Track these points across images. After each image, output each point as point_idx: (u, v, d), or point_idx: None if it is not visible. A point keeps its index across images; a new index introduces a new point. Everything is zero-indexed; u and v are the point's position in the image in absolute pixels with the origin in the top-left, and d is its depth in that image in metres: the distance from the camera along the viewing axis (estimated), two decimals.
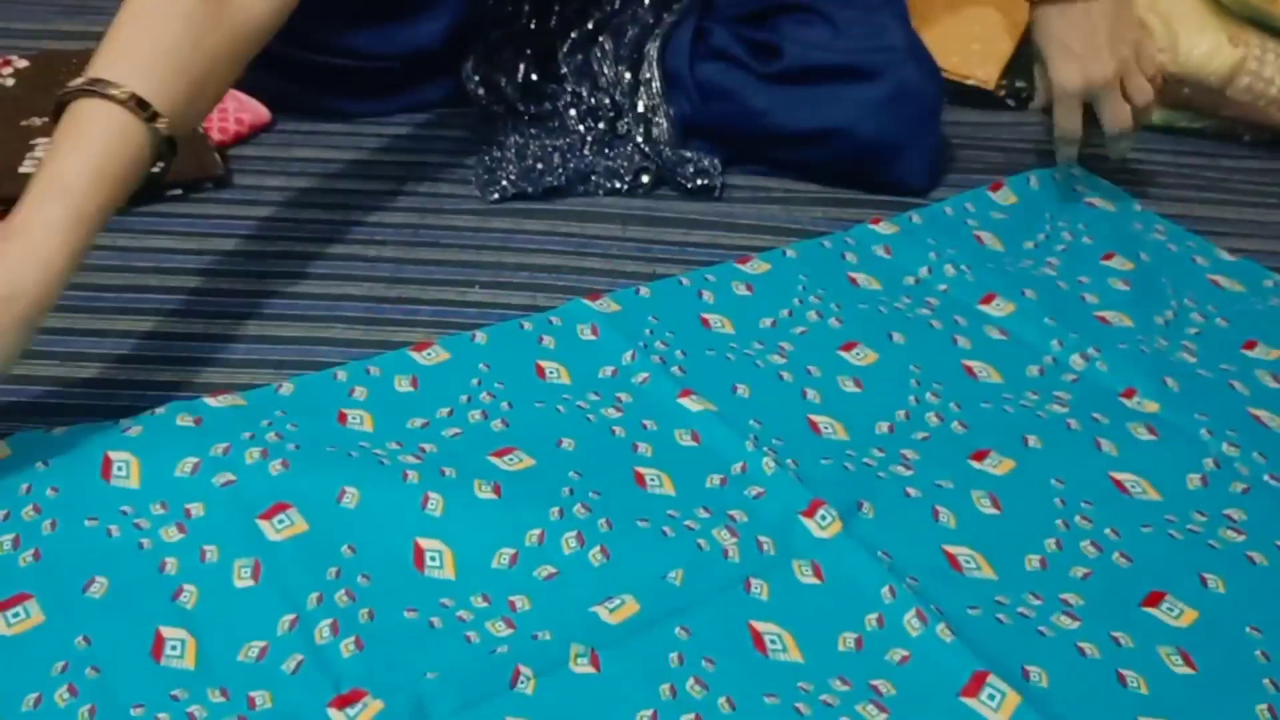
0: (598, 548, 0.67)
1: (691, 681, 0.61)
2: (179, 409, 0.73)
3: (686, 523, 0.69)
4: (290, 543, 0.66)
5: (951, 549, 0.70)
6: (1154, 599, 0.68)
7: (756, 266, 0.92)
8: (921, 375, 0.83)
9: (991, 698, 0.61)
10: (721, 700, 0.60)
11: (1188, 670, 0.64)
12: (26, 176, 0.69)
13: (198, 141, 0.98)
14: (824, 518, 0.70)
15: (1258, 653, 0.65)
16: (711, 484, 0.73)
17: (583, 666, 0.61)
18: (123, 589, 0.63)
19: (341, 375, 0.78)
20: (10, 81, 1.06)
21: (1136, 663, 0.64)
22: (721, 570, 0.67)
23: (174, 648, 0.61)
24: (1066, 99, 0.97)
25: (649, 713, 0.59)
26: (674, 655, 0.62)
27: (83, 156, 0.67)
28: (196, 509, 0.68)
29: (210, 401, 0.74)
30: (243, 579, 0.64)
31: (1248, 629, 0.66)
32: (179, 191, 0.96)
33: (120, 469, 0.69)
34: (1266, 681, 0.63)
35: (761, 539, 0.69)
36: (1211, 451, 0.77)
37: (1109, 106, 0.97)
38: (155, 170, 0.72)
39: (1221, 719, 0.61)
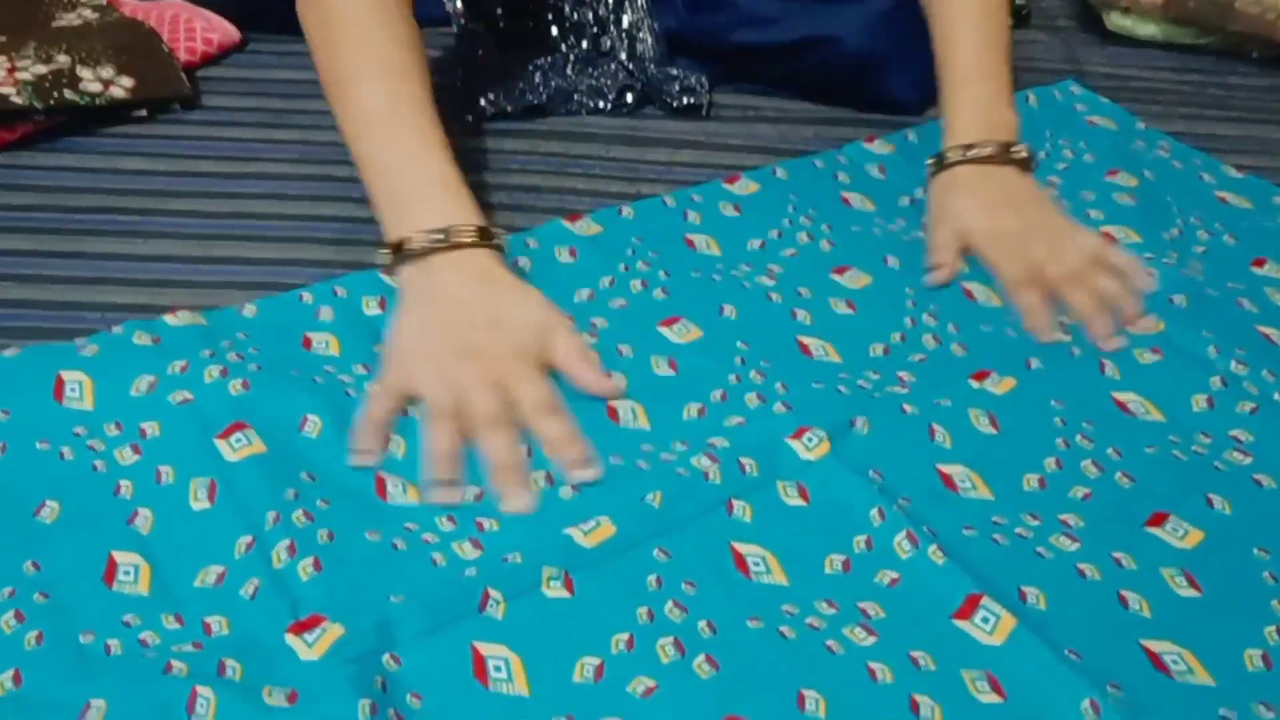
0: (568, 485, 0.64)
1: (670, 605, 0.58)
2: (136, 327, 0.70)
3: (663, 455, 0.66)
4: (247, 462, 0.63)
5: (947, 469, 0.67)
6: (1158, 519, 0.65)
7: (745, 186, 0.89)
8: (918, 297, 0.79)
9: (985, 620, 0.58)
10: (702, 624, 0.57)
11: (1192, 592, 0.61)
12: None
13: (165, 62, 0.95)
14: (811, 439, 0.67)
15: (1265, 574, 0.62)
16: (689, 415, 0.69)
17: (555, 590, 0.58)
18: (75, 513, 0.61)
19: (307, 297, 0.75)
20: None
21: (1139, 584, 0.61)
22: (702, 492, 0.64)
23: (127, 573, 0.58)
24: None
25: (625, 636, 0.57)
26: (652, 578, 0.59)
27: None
28: (152, 428, 0.65)
29: (170, 320, 0.71)
30: (199, 500, 0.61)
31: (1255, 550, 0.63)
32: (144, 112, 0.93)
33: (73, 390, 0.66)
34: (1275, 603, 0.60)
35: (744, 461, 0.66)
36: (1219, 370, 0.74)
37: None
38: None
39: (1227, 641, 0.58)
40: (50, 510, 0.60)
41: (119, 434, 0.64)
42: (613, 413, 0.69)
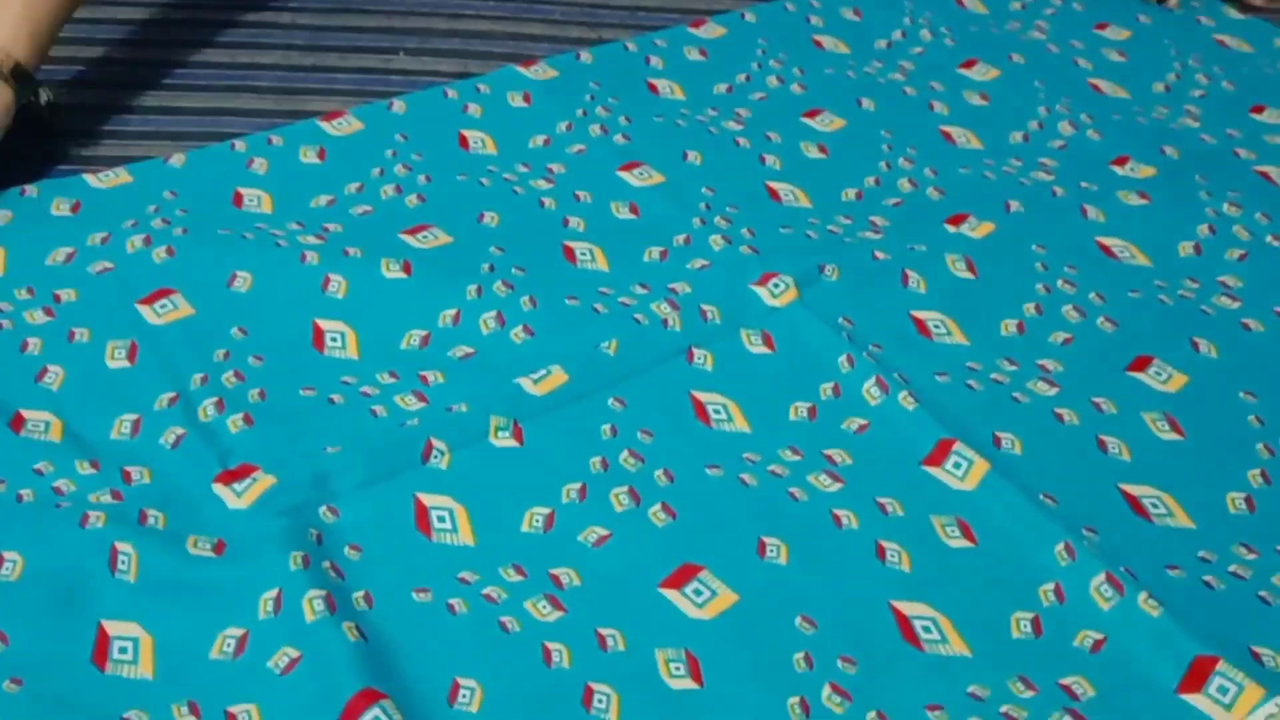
0: (520, 326, 0.61)
1: (625, 454, 0.55)
2: (54, 193, 0.66)
3: (621, 299, 0.63)
4: (173, 326, 0.59)
5: (920, 314, 0.63)
6: (1141, 363, 0.62)
7: (711, 30, 0.84)
8: (894, 141, 0.75)
9: (957, 465, 0.55)
10: (658, 473, 0.54)
11: (1174, 436, 0.58)
12: None
13: None
14: (777, 285, 0.64)
15: (1251, 418, 0.59)
16: (650, 258, 0.66)
17: (504, 439, 0.55)
18: None
19: (240, 146, 0.70)
20: None
21: (1118, 429, 0.58)
22: (661, 340, 0.61)
23: (36, 426, 0.54)
24: None
25: (576, 486, 0.53)
26: (606, 427, 0.56)
27: None
28: (67, 294, 0.61)
29: (91, 181, 0.67)
30: (116, 360, 0.58)
31: (1241, 394, 0.60)
32: None
33: None
34: (1260, 446, 0.58)
35: (705, 308, 0.62)
36: (1209, 215, 0.71)
37: None
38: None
39: (1209, 485, 0.56)
40: None
41: (30, 298, 0.60)
42: (569, 253, 0.65)
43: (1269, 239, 0.69)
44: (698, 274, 0.64)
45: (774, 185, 0.71)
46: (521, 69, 0.78)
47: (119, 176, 0.67)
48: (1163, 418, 0.59)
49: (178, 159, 0.69)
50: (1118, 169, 0.74)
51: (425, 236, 0.66)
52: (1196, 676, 0.47)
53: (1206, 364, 0.62)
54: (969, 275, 0.66)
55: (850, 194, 0.71)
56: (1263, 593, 0.51)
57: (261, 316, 0.60)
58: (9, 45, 0.65)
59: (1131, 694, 0.47)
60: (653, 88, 0.78)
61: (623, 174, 0.71)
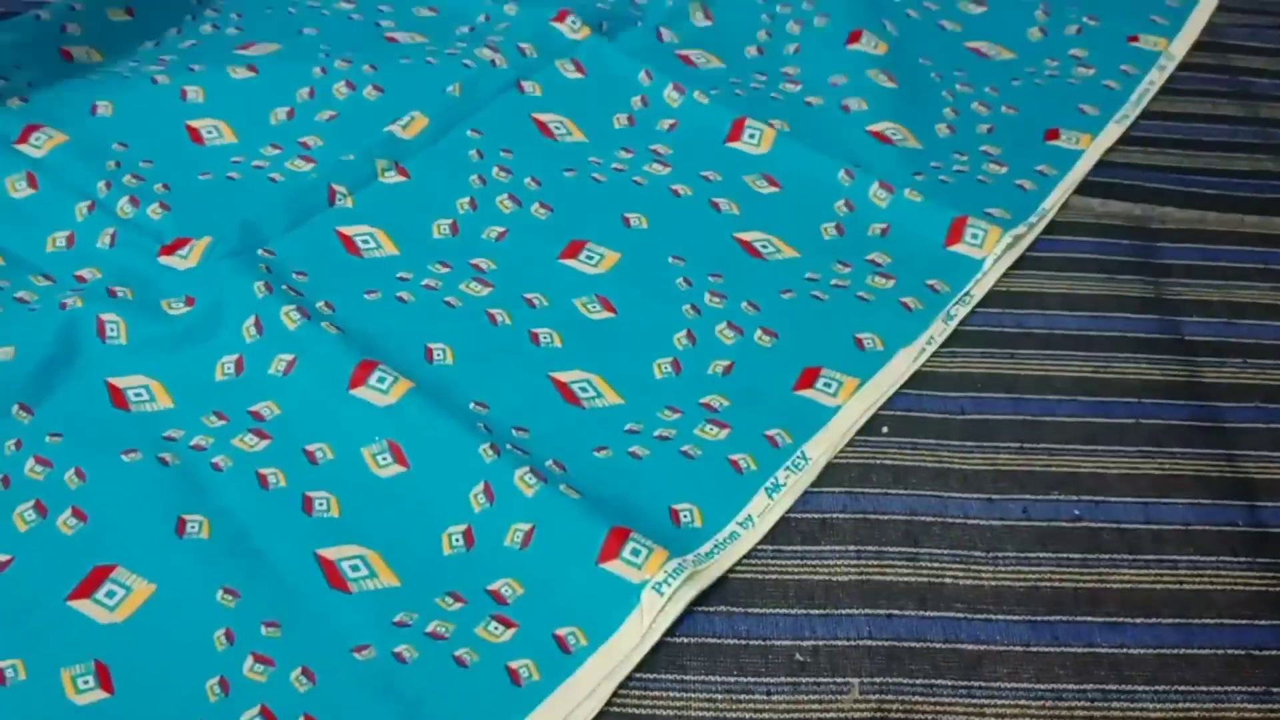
0: (369, 86, 0.70)
1: (496, 170, 0.66)
2: None
3: (448, 50, 0.73)
4: (54, 153, 0.65)
5: (686, 51, 0.76)
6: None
7: None
8: None
9: (752, 137, 0.69)
10: (527, 180, 0.66)
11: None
12: None
13: None
14: (574, 22, 0.75)
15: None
16: (460, 31, 0.76)
17: (391, 177, 0.65)
18: None
19: (45, 15, 0.75)
20: None
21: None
22: (493, 76, 0.71)
23: None
24: None
25: (466, 200, 0.64)
26: (473, 152, 0.67)
27: None
28: None
29: None
30: (19, 190, 0.63)
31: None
32: None
33: None
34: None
35: (522, 45, 0.73)
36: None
37: None
38: None
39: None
40: None
41: None
42: (390, 39, 0.75)
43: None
44: (505, 31, 0.75)
45: None
46: None
47: None
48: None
49: None
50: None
51: (257, 49, 0.73)
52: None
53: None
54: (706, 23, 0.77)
55: None
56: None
57: (133, 129, 0.67)
58: None
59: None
60: None
61: None
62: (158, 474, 0.51)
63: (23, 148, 0.65)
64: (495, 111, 0.69)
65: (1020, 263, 0.64)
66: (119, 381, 0.55)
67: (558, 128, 0.69)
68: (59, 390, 0.54)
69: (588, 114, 0.70)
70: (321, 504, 0.51)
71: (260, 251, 0.60)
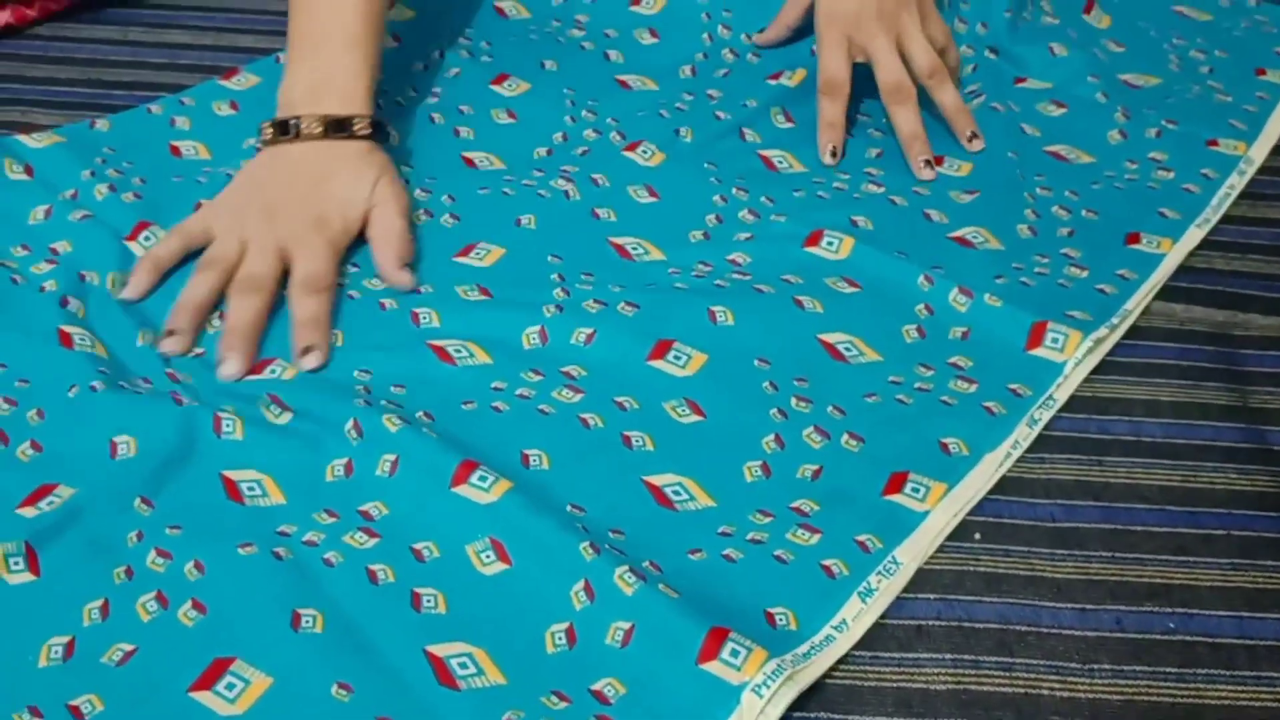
0: (446, 215, 0.73)
1: (579, 285, 0.68)
2: (0, 155, 0.72)
3: (524, 181, 0.75)
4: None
5: (766, 153, 0.79)
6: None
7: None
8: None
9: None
10: (612, 285, 0.67)
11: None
12: None
13: None
14: (645, 151, 0.78)
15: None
16: (539, 156, 0.78)
17: (473, 296, 0.67)
18: (7, 313, 0.63)
19: (156, 109, 0.79)
20: None
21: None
22: (568, 207, 0.74)
23: (82, 340, 0.62)
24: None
25: (552, 307, 0.66)
26: (554, 275, 0.69)
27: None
28: (62, 246, 0.68)
29: (29, 142, 0.74)
30: (120, 290, 0.66)
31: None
32: None
33: None
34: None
35: (595, 176, 0.76)
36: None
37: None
38: None
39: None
40: None
41: (28, 254, 0.67)
42: (470, 162, 0.77)
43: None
44: (581, 159, 0.77)
45: (622, 78, 0.84)
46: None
47: (52, 137, 0.75)
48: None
49: (102, 124, 0.77)
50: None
51: None
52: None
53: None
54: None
55: (686, 71, 0.85)
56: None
57: None
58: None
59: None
60: (500, 12, 0.90)
61: (495, 86, 0.83)
62: (272, 567, 0.52)
63: (132, 246, 0.68)
64: (574, 240, 0.71)
65: (1103, 368, 0.65)
66: (234, 475, 0.57)
67: (635, 249, 0.71)
68: (177, 482, 0.56)
69: (660, 236, 0.72)
70: (429, 600, 0.52)
71: (356, 373, 0.62)
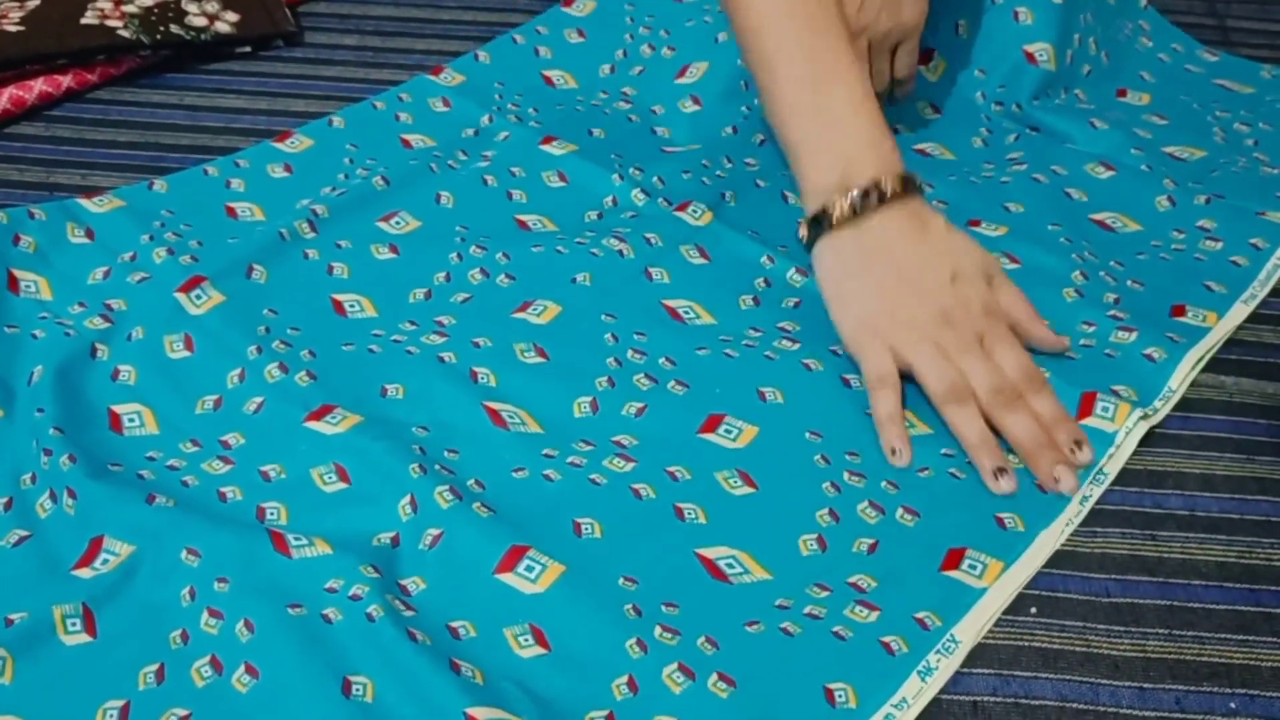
0: (502, 275, 0.73)
1: (630, 352, 0.68)
2: (64, 218, 0.73)
3: (577, 240, 0.76)
4: (212, 313, 0.69)
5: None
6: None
7: (583, 7, 0.97)
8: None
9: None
10: (662, 360, 0.68)
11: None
12: (87, 28, 0.76)
13: None
14: (695, 211, 0.78)
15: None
16: (590, 219, 0.79)
17: (530, 358, 0.67)
18: (61, 376, 0.64)
19: (212, 170, 0.80)
20: None
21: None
22: (622, 265, 0.74)
23: (131, 419, 0.63)
24: None
25: (604, 379, 0.66)
26: (608, 335, 0.69)
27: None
28: (118, 304, 0.69)
29: (90, 206, 0.75)
30: (176, 351, 0.67)
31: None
32: (248, 49, 0.94)
33: (29, 286, 0.69)
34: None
35: (648, 236, 0.76)
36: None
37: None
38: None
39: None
40: (39, 372, 0.64)
41: (84, 311, 0.69)
42: (523, 224, 0.78)
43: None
44: (631, 221, 0.78)
45: (667, 147, 0.86)
46: (432, 77, 0.90)
47: (112, 201, 0.76)
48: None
49: (160, 185, 0.78)
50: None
51: (398, 222, 0.77)
52: None
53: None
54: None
55: (728, 130, 0.86)
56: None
57: (285, 298, 0.71)
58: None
59: None
60: (548, 80, 0.92)
61: (545, 146, 0.84)
62: (321, 632, 0.53)
63: (182, 299, 0.69)
64: (626, 298, 0.72)
65: (1155, 441, 0.65)
66: (283, 533, 0.57)
67: (687, 312, 0.72)
68: (222, 531, 0.56)
69: (711, 297, 0.72)
70: (468, 672, 0.52)
71: (415, 429, 0.63)
